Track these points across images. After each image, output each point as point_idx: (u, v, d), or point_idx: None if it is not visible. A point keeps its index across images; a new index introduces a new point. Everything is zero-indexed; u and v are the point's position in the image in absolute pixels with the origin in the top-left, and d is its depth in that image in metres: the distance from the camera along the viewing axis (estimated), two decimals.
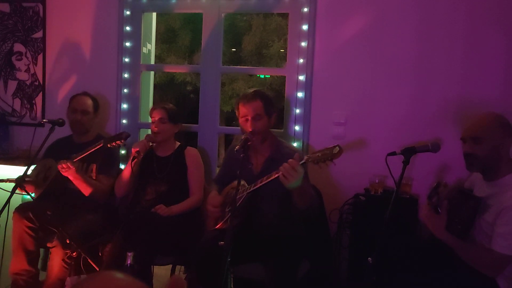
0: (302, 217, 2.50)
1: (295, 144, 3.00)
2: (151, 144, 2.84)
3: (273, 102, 2.55)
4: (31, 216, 2.65)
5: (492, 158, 2.08)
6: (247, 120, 2.45)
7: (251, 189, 2.35)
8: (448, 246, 2.07)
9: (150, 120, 2.94)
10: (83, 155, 2.71)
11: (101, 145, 2.67)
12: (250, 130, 2.43)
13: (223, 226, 2.39)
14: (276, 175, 2.18)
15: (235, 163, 2.55)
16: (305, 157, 2.16)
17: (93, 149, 2.70)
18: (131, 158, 2.74)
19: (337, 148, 2.04)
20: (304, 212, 2.34)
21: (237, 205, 2.30)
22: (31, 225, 2.65)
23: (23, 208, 2.71)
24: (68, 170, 2.66)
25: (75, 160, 2.68)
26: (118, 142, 2.65)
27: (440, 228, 2.07)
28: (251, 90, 2.58)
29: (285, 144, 2.60)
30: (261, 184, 2.31)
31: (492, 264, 1.98)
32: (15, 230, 2.66)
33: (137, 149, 2.73)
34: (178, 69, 7.91)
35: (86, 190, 2.79)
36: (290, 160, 2.12)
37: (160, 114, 2.85)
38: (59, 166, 2.65)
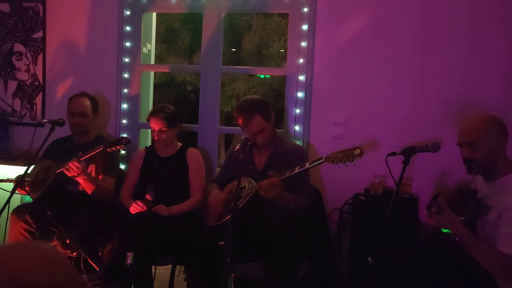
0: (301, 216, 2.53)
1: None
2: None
3: (269, 105, 2.60)
4: (28, 218, 2.66)
5: (490, 160, 2.08)
6: (254, 134, 2.52)
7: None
8: (454, 244, 2.06)
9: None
10: (83, 158, 2.70)
11: (101, 149, 2.67)
12: (259, 143, 2.52)
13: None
14: (256, 190, 2.34)
15: (236, 163, 2.57)
16: (324, 157, 2.24)
17: (93, 153, 2.69)
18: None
19: (358, 150, 2.13)
20: (293, 214, 2.44)
21: (245, 201, 2.37)
22: (27, 227, 2.65)
23: (20, 210, 2.71)
24: (76, 170, 2.64)
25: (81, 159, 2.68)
26: (118, 147, 2.66)
27: (453, 222, 2.04)
28: (246, 102, 2.58)
29: (288, 141, 2.73)
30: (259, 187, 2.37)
31: (498, 265, 1.97)
32: (12, 232, 2.67)
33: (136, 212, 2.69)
34: (178, 69, 7.91)
35: (90, 189, 2.78)
36: (271, 178, 2.28)
37: (159, 125, 2.83)
38: (67, 168, 2.63)
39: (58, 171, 2.74)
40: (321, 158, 2.25)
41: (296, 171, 2.30)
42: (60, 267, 0.78)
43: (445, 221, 2.07)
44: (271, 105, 2.63)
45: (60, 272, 0.77)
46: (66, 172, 2.66)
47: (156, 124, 2.84)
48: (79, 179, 2.71)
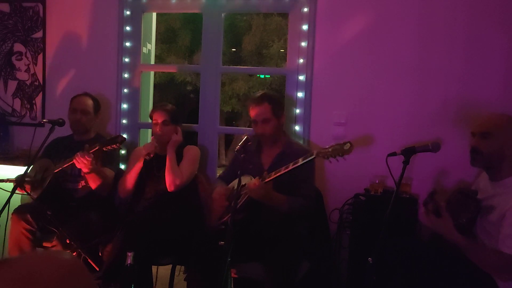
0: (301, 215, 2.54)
1: None
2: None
3: (282, 103, 2.70)
4: (30, 218, 2.65)
5: (496, 156, 2.09)
6: (256, 122, 2.58)
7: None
8: (454, 245, 2.06)
9: (150, 120, 2.95)
10: (91, 151, 2.70)
11: (97, 148, 2.67)
12: (259, 133, 2.57)
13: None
14: (246, 196, 2.38)
15: (240, 162, 2.58)
16: (315, 152, 2.27)
17: (90, 151, 2.69)
18: (143, 160, 2.81)
19: (348, 144, 2.16)
20: (287, 214, 2.45)
21: (243, 201, 2.38)
22: (28, 227, 2.65)
23: (21, 210, 2.71)
24: (84, 161, 2.64)
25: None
26: (113, 146, 2.66)
27: (448, 229, 2.06)
28: (260, 93, 2.70)
29: (298, 142, 2.79)
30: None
31: (501, 266, 1.97)
32: (13, 231, 2.67)
33: (149, 151, 2.79)
34: (178, 69, 7.91)
35: (96, 182, 2.78)
36: (254, 180, 2.34)
37: (162, 117, 2.86)
38: (77, 159, 2.64)
39: (56, 171, 2.74)
40: (312, 154, 2.27)
41: (290, 167, 2.31)
42: (80, 279, 0.76)
43: (441, 226, 2.07)
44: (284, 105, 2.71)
45: (79, 284, 0.75)
46: (77, 165, 2.67)
47: (160, 117, 2.87)
48: (88, 175, 2.72)
